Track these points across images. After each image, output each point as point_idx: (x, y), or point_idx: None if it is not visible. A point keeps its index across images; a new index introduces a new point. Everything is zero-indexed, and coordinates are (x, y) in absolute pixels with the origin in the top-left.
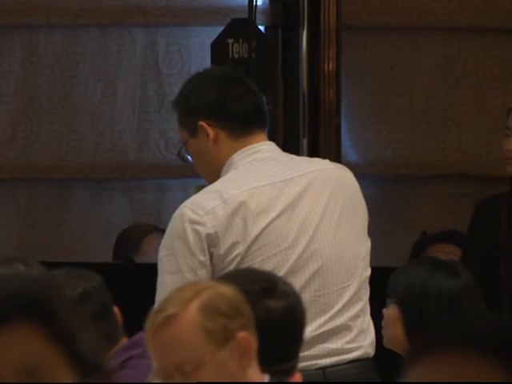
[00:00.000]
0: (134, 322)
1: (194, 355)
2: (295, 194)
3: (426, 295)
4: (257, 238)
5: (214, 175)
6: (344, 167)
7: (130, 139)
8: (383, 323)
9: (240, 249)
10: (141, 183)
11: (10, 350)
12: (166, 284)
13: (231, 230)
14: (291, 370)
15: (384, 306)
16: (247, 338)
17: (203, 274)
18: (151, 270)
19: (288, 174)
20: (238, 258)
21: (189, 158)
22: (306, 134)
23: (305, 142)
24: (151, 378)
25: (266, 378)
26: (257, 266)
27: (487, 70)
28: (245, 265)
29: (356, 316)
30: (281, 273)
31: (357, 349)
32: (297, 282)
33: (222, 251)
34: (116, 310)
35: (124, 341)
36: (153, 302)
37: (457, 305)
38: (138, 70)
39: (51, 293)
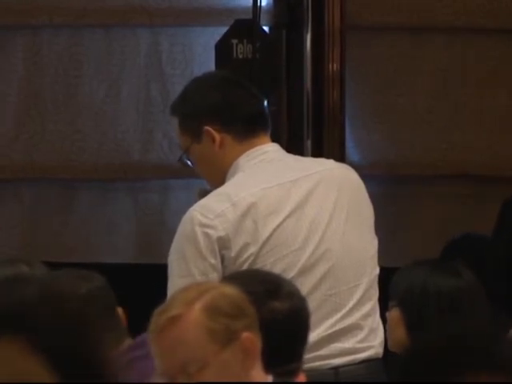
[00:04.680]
0: (138, 323)
1: (197, 356)
2: (303, 195)
3: (426, 296)
4: (268, 239)
5: (218, 179)
6: (349, 167)
7: (134, 139)
8: (387, 326)
9: (251, 250)
10: (144, 184)
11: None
12: (177, 287)
13: (242, 232)
14: (295, 372)
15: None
16: (251, 338)
17: (215, 276)
18: (155, 271)
19: (295, 174)
20: (250, 260)
21: (189, 163)
22: (309, 135)
23: (309, 143)
24: (155, 379)
25: (270, 379)
26: (268, 267)
27: (490, 70)
28: (256, 266)
29: (367, 315)
30: (292, 273)
31: (368, 348)
32: (308, 282)
33: (233, 253)
34: (120, 310)
35: (128, 342)
36: (157, 303)
37: (458, 305)
38: (142, 70)
39: (40, 307)
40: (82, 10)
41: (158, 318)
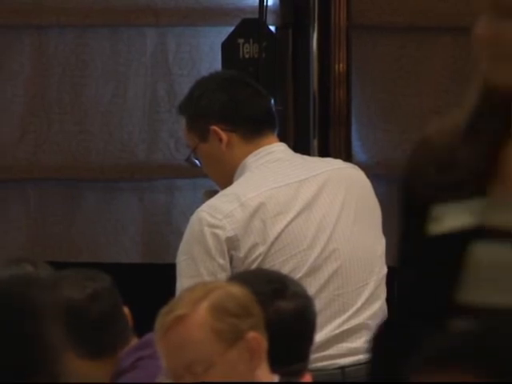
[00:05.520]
0: (144, 323)
1: (203, 355)
2: (311, 194)
3: None
4: (276, 239)
5: (226, 179)
6: (356, 167)
7: (140, 139)
8: None
9: (260, 250)
10: (151, 183)
11: None
12: (186, 288)
13: (250, 232)
14: (301, 371)
15: None
16: (257, 338)
17: (223, 277)
18: (161, 271)
19: (302, 174)
20: (258, 260)
21: (197, 162)
22: (316, 135)
23: (315, 143)
24: (161, 379)
25: (276, 379)
26: (277, 267)
27: None
28: (265, 266)
29: (374, 315)
30: (300, 273)
31: None
32: (316, 282)
33: (241, 254)
34: (126, 310)
35: (134, 341)
36: (163, 303)
37: None
38: (148, 70)
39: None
40: (89, 10)
41: (163, 317)
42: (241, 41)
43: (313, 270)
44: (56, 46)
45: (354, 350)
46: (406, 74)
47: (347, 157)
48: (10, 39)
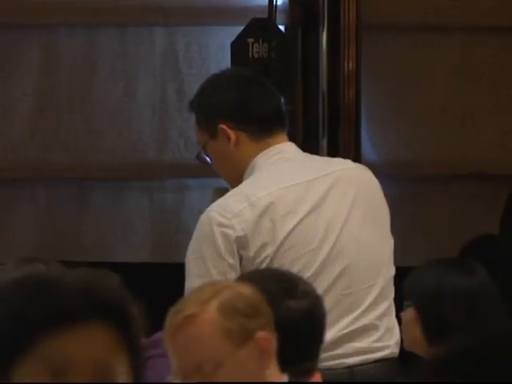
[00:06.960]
0: (153, 323)
1: (213, 355)
2: (321, 194)
3: (441, 295)
4: (286, 238)
5: (235, 177)
6: (365, 167)
7: (150, 139)
8: (402, 326)
9: (269, 250)
10: (160, 183)
11: (86, 347)
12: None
13: (259, 231)
14: (311, 370)
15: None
16: (266, 337)
17: (233, 276)
18: (170, 270)
19: (312, 174)
20: (268, 260)
21: (207, 159)
22: (325, 134)
23: (324, 142)
24: (170, 378)
25: (285, 378)
26: (286, 266)
27: (505, 69)
28: (274, 266)
29: (382, 315)
30: (309, 273)
31: (383, 348)
32: (324, 282)
33: (251, 253)
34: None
35: (143, 341)
36: (172, 302)
37: (473, 303)
38: (158, 69)
39: (127, 298)
40: (97, 10)
41: (173, 317)
42: (250, 40)
43: (321, 270)
44: (65, 45)
45: (362, 350)
46: (415, 73)
47: (356, 156)
48: (19, 39)
